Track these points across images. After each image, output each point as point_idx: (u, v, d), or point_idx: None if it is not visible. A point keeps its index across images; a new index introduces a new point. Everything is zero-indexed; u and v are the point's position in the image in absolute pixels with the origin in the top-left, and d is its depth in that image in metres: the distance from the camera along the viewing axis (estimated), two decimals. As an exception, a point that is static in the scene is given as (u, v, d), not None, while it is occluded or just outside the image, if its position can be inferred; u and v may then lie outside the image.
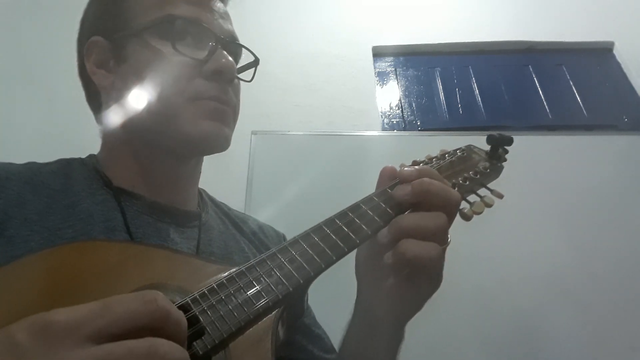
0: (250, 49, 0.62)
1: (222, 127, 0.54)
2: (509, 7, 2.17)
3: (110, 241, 0.46)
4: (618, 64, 2.06)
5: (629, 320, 1.37)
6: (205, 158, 0.63)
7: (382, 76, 2.08)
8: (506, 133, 0.56)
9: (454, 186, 0.51)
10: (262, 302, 0.39)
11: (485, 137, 0.57)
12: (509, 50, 2.12)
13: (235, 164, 1.64)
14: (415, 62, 2.12)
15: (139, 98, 0.53)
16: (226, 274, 0.41)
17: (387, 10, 2.17)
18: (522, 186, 1.56)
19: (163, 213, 0.55)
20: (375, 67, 2.06)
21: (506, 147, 0.57)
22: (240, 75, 0.61)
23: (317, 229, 0.45)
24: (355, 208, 0.47)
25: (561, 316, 1.37)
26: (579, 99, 1.97)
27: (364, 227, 0.45)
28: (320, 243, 0.44)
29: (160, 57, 0.53)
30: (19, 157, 0.55)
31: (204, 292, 0.38)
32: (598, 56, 2.09)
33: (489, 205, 0.50)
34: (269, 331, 0.39)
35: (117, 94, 0.55)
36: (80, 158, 0.58)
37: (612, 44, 2.09)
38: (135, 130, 0.55)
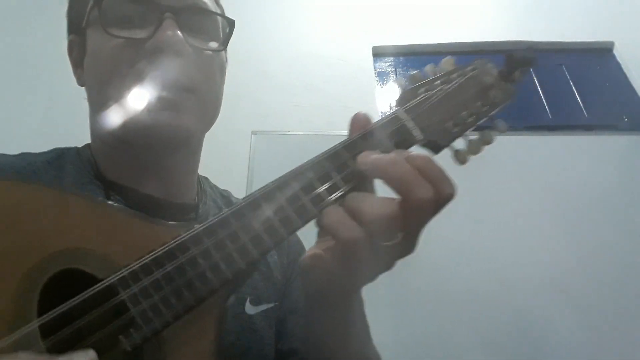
0: (219, 13, 0.54)
1: (171, 116, 0.47)
2: (509, 7, 2.17)
3: (21, 183, 0.37)
4: (618, 64, 2.06)
5: (629, 320, 1.37)
6: (205, 157, 0.61)
7: (382, 76, 2.08)
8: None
9: (455, 125, 0.41)
10: (207, 284, 0.32)
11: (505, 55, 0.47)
12: (509, 50, 2.11)
13: (235, 164, 1.64)
14: (415, 62, 2.11)
15: (92, 90, 0.52)
16: (164, 246, 0.32)
17: (387, 10, 2.17)
18: (522, 186, 1.56)
19: (155, 206, 0.52)
20: (375, 67, 2.06)
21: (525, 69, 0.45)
22: (212, 45, 0.52)
23: (281, 185, 0.36)
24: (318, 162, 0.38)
25: (561, 316, 1.37)
26: (579, 99, 1.97)
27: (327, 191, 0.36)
28: (287, 205, 0.34)
29: (97, 45, 0.48)
30: (19, 157, 0.55)
31: (136, 269, 0.31)
32: (598, 56, 2.09)
33: (488, 143, 0.42)
34: (213, 319, 0.33)
35: (87, 89, 0.54)
36: (76, 147, 0.57)
37: (612, 44, 2.09)
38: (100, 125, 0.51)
